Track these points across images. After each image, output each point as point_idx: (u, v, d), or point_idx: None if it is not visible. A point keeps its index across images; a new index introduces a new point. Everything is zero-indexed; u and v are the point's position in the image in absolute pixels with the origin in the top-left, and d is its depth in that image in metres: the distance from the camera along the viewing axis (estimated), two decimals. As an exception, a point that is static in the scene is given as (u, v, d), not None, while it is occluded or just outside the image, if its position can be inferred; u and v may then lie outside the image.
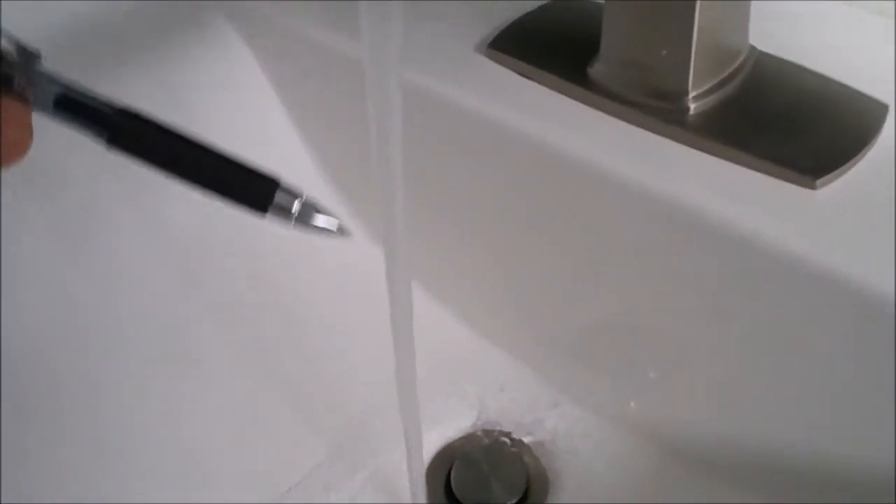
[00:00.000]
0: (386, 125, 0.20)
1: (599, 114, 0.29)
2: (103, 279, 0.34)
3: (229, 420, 0.34)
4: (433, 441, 0.34)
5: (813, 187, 0.25)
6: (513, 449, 0.33)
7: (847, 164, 0.25)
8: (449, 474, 0.33)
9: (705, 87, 0.27)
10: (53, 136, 0.34)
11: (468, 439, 0.34)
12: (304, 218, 0.22)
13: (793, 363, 0.27)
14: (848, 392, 0.26)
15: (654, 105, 0.28)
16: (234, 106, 0.38)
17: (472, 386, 0.35)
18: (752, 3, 0.28)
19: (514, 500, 0.32)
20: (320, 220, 0.22)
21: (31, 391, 0.31)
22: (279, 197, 0.22)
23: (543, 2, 0.33)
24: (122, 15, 0.39)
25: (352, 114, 0.30)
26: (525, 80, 0.31)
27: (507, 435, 0.34)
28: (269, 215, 0.22)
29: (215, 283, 0.36)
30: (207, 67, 0.38)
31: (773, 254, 0.25)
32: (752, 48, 0.29)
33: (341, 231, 0.23)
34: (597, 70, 0.29)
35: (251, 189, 0.22)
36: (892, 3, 0.30)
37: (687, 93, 0.27)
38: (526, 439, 0.34)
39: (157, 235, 0.35)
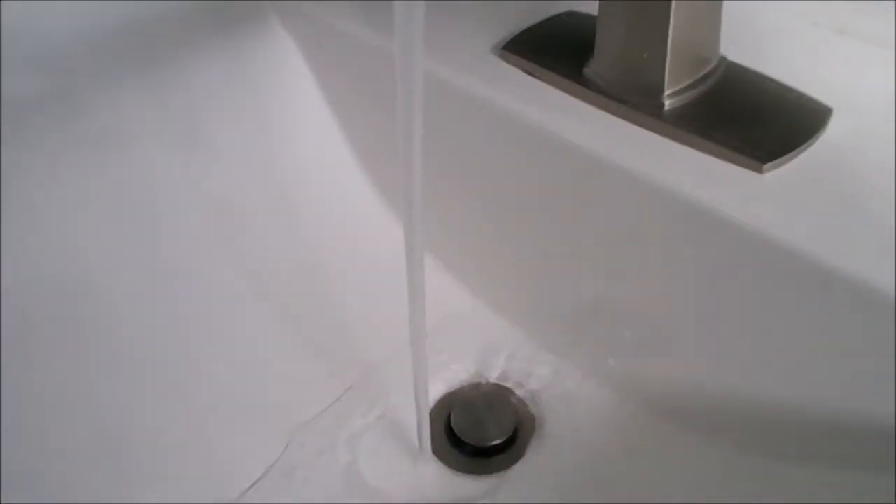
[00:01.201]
0: (409, 109, 0.25)
1: (592, 107, 0.34)
2: (145, 232, 0.39)
3: (257, 361, 0.39)
4: (437, 390, 0.39)
5: (761, 171, 0.30)
6: (505, 397, 0.38)
7: (791, 154, 0.30)
8: (449, 417, 0.38)
9: (679, 87, 0.33)
10: (104, 99, 0.41)
11: (467, 388, 0.39)
12: None
13: (747, 318, 0.32)
14: (799, 341, 0.30)
15: (637, 101, 0.33)
16: (280, 92, 0.43)
17: (473, 344, 0.40)
18: (727, 19, 0.33)
19: (505, 438, 0.37)
20: None
21: (69, 334, 0.36)
22: None
23: (551, 14, 0.39)
24: (187, 9, 0.45)
25: (384, 102, 0.36)
26: (532, 77, 0.36)
27: (501, 386, 0.39)
28: None
29: (249, 241, 0.41)
30: (257, 57, 0.44)
31: (727, 222, 0.30)
32: (723, 57, 0.34)
33: None
34: (591, 70, 0.35)
35: None
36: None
37: (663, 91, 0.32)
38: (517, 390, 0.39)
39: (201, 196, 0.41)
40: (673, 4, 0.30)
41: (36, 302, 0.35)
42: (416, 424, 0.36)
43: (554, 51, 0.36)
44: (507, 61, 0.37)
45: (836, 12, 0.36)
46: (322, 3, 0.43)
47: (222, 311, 0.40)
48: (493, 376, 0.39)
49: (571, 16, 0.38)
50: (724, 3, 0.33)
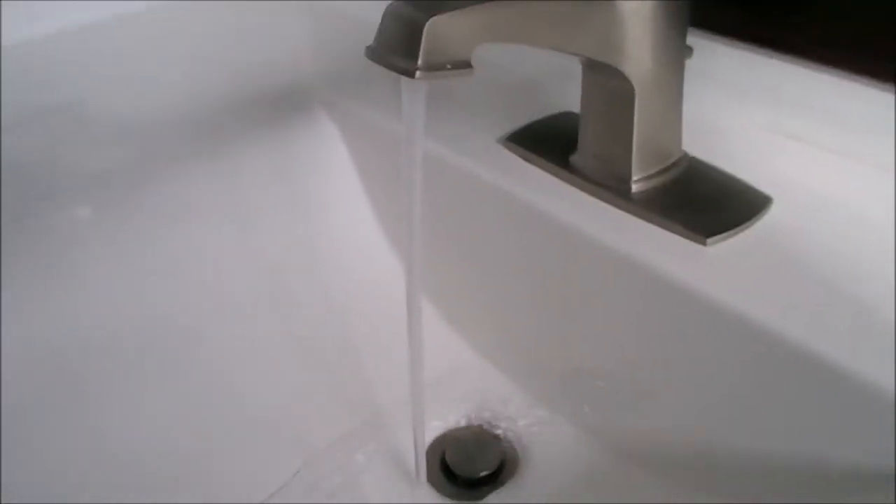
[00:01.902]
0: (411, 181, 0.33)
1: (575, 190, 0.41)
2: (194, 291, 0.46)
3: (282, 395, 0.46)
4: (433, 429, 0.45)
5: (704, 244, 0.36)
6: (493, 438, 0.44)
7: (731, 231, 0.37)
8: (444, 453, 0.44)
9: (644, 175, 0.39)
10: (168, 176, 0.50)
11: (460, 430, 0.45)
12: None
13: (695, 370, 0.37)
14: (741, 393, 0.36)
15: (610, 185, 0.40)
16: (320, 175, 0.51)
17: (468, 391, 0.46)
18: (695, 123, 0.40)
19: (491, 471, 0.42)
20: None
21: (116, 374, 0.43)
22: None
23: (550, 113, 0.46)
24: (247, 101, 0.54)
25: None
26: (528, 164, 0.44)
27: (490, 428, 0.44)
28: None
29: (284, 298, 0.48)
30: (303, 145, 0.52)
31: (677, 286, 0.36)
32: (685, 153, 0.41)
33: None
34: (575, 160, 0.42)
35: None
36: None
37: (630, 178, 0.39)
38: (504, 432, 0.44)
39: (245, 261, 0.48)
40: (636, 110, 0.38)
41: (93, 346, 0.42)
42: (413, 457, 0.42)
43: (548, 143, 0.44)
44: (509, 150, 0.45)
45: (788, 120, 0.42)
46: (364, 102, 0.51)
47: (258, 354, 0.47)
48: (483, 419, 0.45)
49: (566, 115, 0.46)
50: (696, 109, 0.40)
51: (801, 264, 0.35)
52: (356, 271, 0.51)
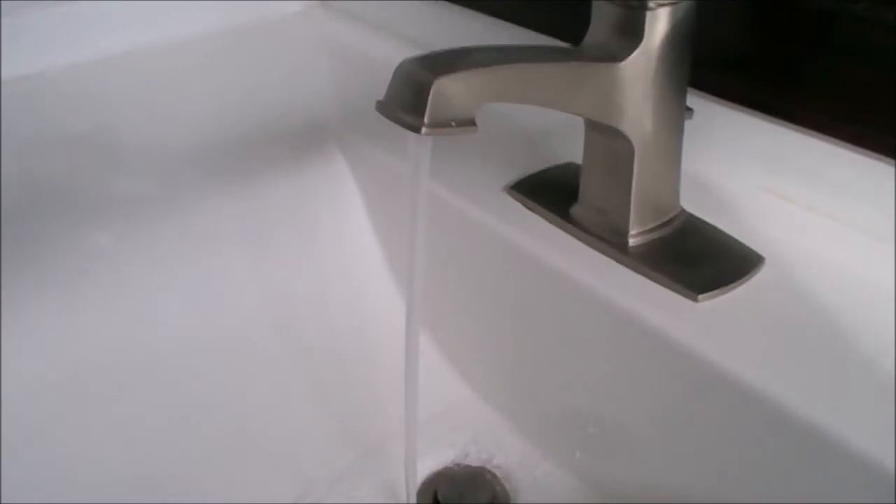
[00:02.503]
0: (414, 226, 0.34)
1: (573, 240, 0.43)
2: (211, 310, 0.48)
3: (275, 424, 0.47)
4: (426, 467, 0.46)
5: (696, 300, 0.38)
6: (485, 477, 0.45)
7: (723, 289, 0.38)
8: (436, 491, 0.45)
9: (641, 230, 0.41)
10: (193, 203, 0.52)
11: (453, 467, 0.46)
12: None
13: (680, 423, 0.38)
14: (719, 446, 0.37)
15: (607, 238, 0.41)
16: (332, 208, 0.53)
17: (459, 428, 0.47)
18: (694, 183, 0.42)
19: (482, 509, 0.43)
20: None
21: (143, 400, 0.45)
22: None
23: (553, 164, 0.48)
24: (270, 134, 0.56)
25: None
26: (530, 213, 0.45)
27: (482, 467, 0.46)
28: None
29: (293, 325, 0.50)
30: (318, 179, 0.54)
31: (666, 339, 0.37)
32: (682, 209, 0.42)
33: None
34: (575, 210, 0.43)
35: None
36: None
37: (628, 232, 0.41)
38: (495, 471, 0.45)
39: (260, 285, 0.50)
40: (636, 168, 0.39)
41: (98, 371, 0.44)
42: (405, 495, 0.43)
43: (550, 193, 0.45)
44: (513, 198, 0.46)
45: (785, 182, 0.44)
46: (376, 142, 0.53)
47: (259, 383, 0.48)
48: (476, 457, 0.46)
49: (568, 167, 0.47)
50: (695, 166, 0.42)
51: (791, 324, 0.36)
52: (360, 305, 0.52)
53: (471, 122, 0.33)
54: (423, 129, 0.32)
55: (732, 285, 0.38)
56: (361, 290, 0.52)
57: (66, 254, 0.46)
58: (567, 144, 0.49)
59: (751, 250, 0.40)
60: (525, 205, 0.45)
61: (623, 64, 0.36)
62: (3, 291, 0.43)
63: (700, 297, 0.38)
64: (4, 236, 0.47)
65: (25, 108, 0.60)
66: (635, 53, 0.36)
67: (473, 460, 0.46)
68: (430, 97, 0.31)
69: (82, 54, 0.65)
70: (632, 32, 0.36)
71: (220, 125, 0.58)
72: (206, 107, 0.61)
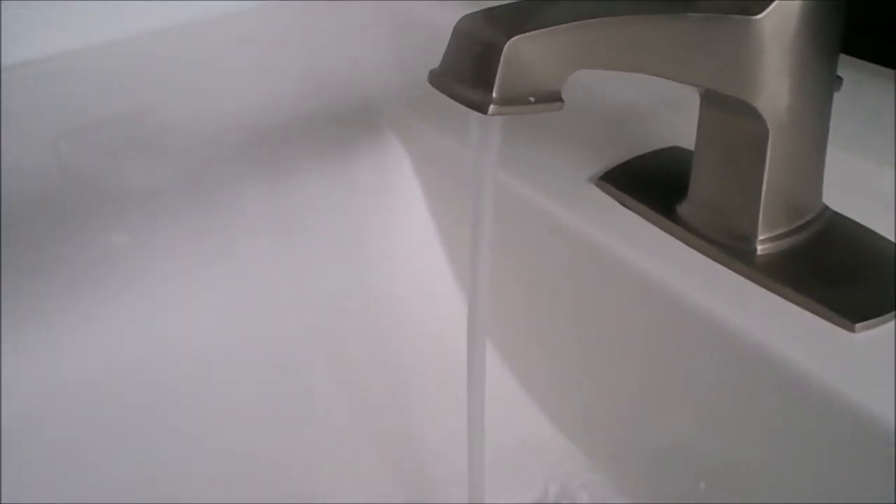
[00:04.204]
0: (479, 215, 0.26)
1: (681, 244, 0.34)
2: (243, 314, 0.42)
3: (315, 457, 0.40)
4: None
5: (853, 330, 0.28)
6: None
7: (887, 316, 0.29)
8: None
9: (773, 234, 0.32)
10: (226, 194, 0.44)
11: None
12: None
13: (826, 486, 0.29)
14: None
15: (727, 244, 0.32)
16: (385, 199, 0.46)
17: (535, 468, 0.39)
18: (841, 173, 0.33)
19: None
20: None
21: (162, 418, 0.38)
22: None
23: (654, 148, 0.39)
24: (318, 117, 0.49)
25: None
26: (625, 209, 0.36)
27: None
28: None
29: (335, 333, 0.43)
30: (368, 167, 0.47)
31: (813, 381, 0.28)
32: (825, 207, 0.33)
33: None
34: (684, 208, 0.34)
35: None
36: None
37: (755, 237, 0.32)
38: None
39: (297, 286, 0.43)
40: (769, 155, 0.30)
41: (130, 374, 0.38)
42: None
43: (650, 184, 0.36)
44: (604, 191, 0.38)
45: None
46: (440, 127, 0.45)
47: (297, 406, 0.41)
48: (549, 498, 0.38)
49: (673, 152, 0.38)
50: (839, 151, 0.32)
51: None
52: (416, 315, 0.44)
53: (555, 97, 0.24)
54: (492, 108, 0.24)
55: (900, 311, 0.29)
56: (418, 298, 0.44)
57: (79, 252, 0.40)
58: (670, 126, 0.40)
59: (921, 262, 0.31)
60: (619, 200, 0.37)
61: (760, 17, 0.27)
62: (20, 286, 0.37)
63: (857, 326, 0.28)
64: (24, 229, 0.41)
65: (52, 91, 0.55)
66: (776, 2, 0.27)
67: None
68: (502, 64, 0.23)
69: (114, 32, 0.59)
70: (770, -26, 0.27)
71: (264, 106, 0.51)
72: (252, 85, 0.54)
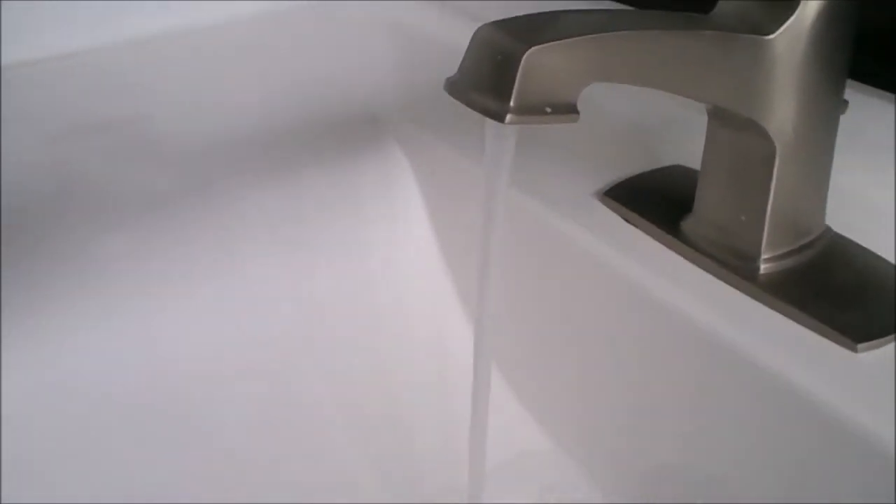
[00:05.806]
0: (488, 238, 0.26)
1: (684, 261, 0.34)
2: (239, 320, 0.41)
3: (310, 468, 0.39)
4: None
5: (855, 350, 0.29)
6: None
7: (888, 338, 0.29)
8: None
9: (776, 253, 0.32)
10: (227, 198, 0.44)
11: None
12: None
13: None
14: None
15: (731, 262, 0.33)
16: (386, 208, 0.46)
17: (534, 480, 0.39)
18: (841, 194, 0.33)
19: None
20: None
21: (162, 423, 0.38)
22: None
23: (655, 166, 0.39)
24: (320, 125, 0.49)
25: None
26: (629, 225, 0.37)
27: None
28: None
29: (332, 345, 0.42)
30: (371, 175, 0.46)
31: (811, 400, 0.28)
32: (828, 228, 0.33)
33: None
34: (688, 225, 0.34)
35: None
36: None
37: (759, 255, 0.32)
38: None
39: (295, 294, 0.43)
40: (776, 174, 0.30)
41: (129, 375, 0.37)
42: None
43: (654, 201, 0.37)
44: (608, 206, 0.38)
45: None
46: (444, 137, 0.45)
47: (293, 418, 0.41)
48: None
49: (678, 170, 0.39)
50: (841, 173, 0.33)
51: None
52: (417, 328, 0.44)
53: (571, 109, 0.25)
54: (509, 116, 0.24)
55: (902, 332, 0.29)
56: (420, 311, 0.44)
57: (79, 253, 0.40)
58: (675, 144, 0.41)
59: (922, 285, 0.31)
60: (623, 215, 0.37)
61: (772, 38, 0.27)
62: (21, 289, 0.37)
63: (859, 346, 0.29)
64: (23, 232, 0.41)
65: (52, 92, 0.55)
66: (788, 24, 0.27)
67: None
68: (520, 73, 0.23)
69: (114, 35, 0.59)
70: (783, -4, 0.27)
71: (267, 114, 0.51)
72: (255, 93, 0.54)
